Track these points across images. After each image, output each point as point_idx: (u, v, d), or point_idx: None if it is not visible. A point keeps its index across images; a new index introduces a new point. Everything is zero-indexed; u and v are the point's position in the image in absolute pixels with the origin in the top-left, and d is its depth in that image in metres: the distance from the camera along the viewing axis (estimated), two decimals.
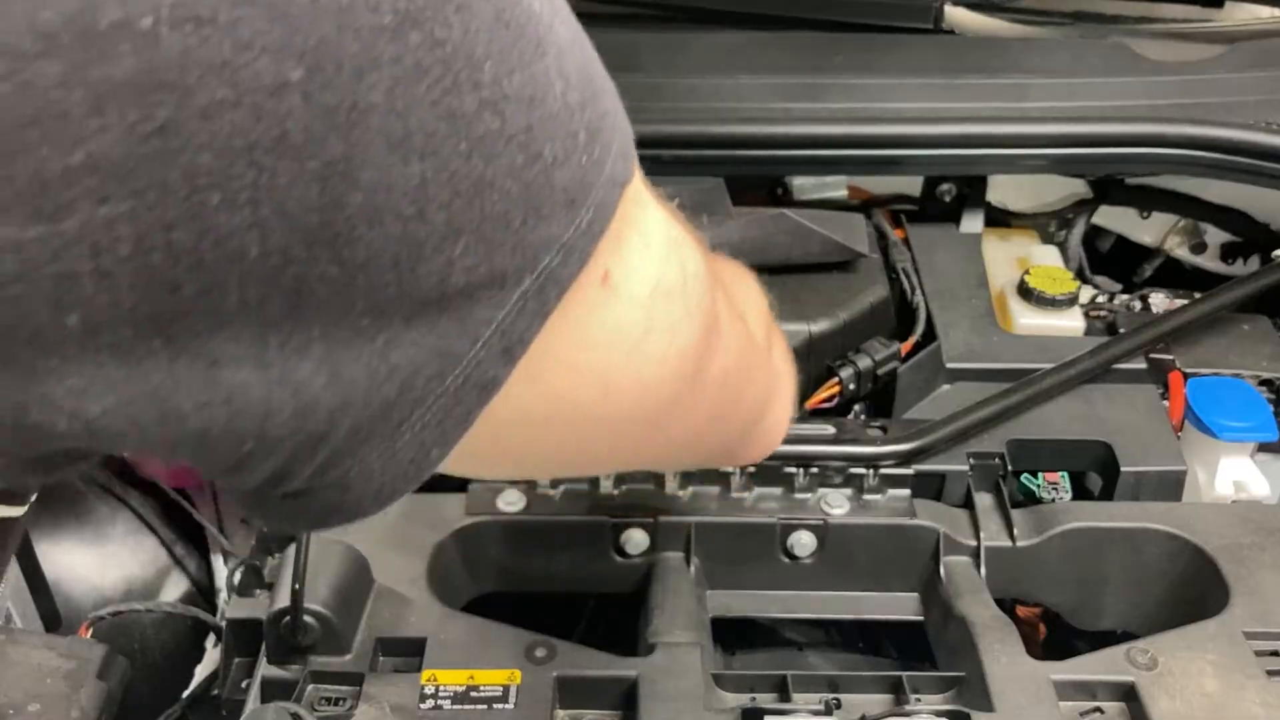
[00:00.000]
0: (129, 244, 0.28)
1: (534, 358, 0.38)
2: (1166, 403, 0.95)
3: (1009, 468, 0.89)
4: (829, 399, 0.94)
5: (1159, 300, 1.05)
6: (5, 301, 0.28)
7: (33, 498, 0.45)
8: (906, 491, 0.86)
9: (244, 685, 0.74)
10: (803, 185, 1.13)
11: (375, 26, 0.30)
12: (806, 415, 0.93)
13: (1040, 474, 0.92)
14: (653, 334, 0.44)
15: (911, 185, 1.14)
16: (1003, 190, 1.16)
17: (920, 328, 1.00)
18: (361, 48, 0.30)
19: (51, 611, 0.99)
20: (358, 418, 0.35)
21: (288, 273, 0.31)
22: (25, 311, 0.28)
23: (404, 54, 0.30)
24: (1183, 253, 1.18)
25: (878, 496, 0.86)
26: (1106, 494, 0.90)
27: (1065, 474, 0.92)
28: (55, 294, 0.28)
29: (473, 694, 0.71)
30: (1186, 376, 0.96)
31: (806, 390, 0.93)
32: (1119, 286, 1.16)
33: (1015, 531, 0.84)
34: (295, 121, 0.29)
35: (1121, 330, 1.00)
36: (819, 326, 0.93)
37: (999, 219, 1.16)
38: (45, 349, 0.29)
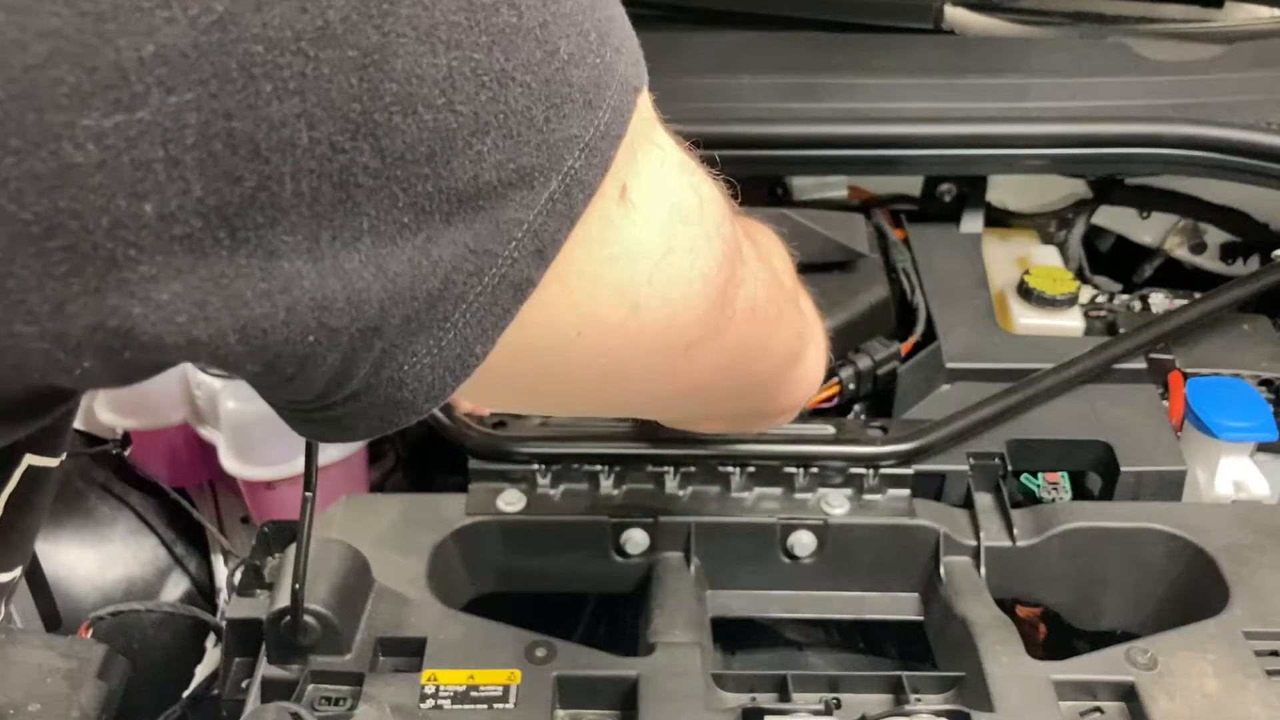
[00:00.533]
0: (194, 132, 0.30)
1: (561, 269, 0.41)
2: (1166, 403, 0.95)
3: (1009, 468, 0.89)
4: (829, 399, 0.94)
5: (1159, 300, 1.05)
6: (89, 191, 0.30)
7: (63, 455, 0.45)
8: (906, 491, 0.86)
9: (244, 685, 0.74)
10: (803, 185, 1.13)
11: None
12: (806, 415, 0.93)
13: (1040, 474, 0.92)
14: (674, 254, 0.46)
15: (911, 185, 1.14)
16: (1003, 190, 1.16)
17: (920, 328, 1.00)
18: None
19: (51, 611, 0.99)
20: (407, 309, 0.37)
21: (334, 163, 0.33)
22: (106, 201, 0.30)
23: None
24: (1183, 253, 1.18)
25: (878, 496, 0.86)
26: (1106, 494, 0.90)
27: (1065, 474, 0.92)
28: (132, 181, 0.30)
29: (473, 694, 0.70)
30: (1186, 376, 0.96)
31: None
32: (1119, 286, 1.15)
33: (1015, 531, 0.84)
34: (335, 11, 0.31)
35: (1121, 330, 1.00)
36: None
37: (999, 219, 1.16)
38: (124, 240, 0.31)
